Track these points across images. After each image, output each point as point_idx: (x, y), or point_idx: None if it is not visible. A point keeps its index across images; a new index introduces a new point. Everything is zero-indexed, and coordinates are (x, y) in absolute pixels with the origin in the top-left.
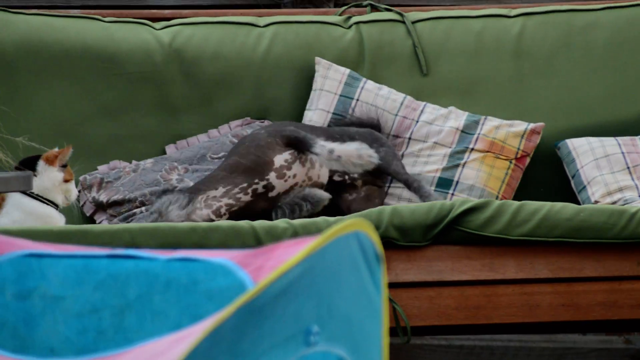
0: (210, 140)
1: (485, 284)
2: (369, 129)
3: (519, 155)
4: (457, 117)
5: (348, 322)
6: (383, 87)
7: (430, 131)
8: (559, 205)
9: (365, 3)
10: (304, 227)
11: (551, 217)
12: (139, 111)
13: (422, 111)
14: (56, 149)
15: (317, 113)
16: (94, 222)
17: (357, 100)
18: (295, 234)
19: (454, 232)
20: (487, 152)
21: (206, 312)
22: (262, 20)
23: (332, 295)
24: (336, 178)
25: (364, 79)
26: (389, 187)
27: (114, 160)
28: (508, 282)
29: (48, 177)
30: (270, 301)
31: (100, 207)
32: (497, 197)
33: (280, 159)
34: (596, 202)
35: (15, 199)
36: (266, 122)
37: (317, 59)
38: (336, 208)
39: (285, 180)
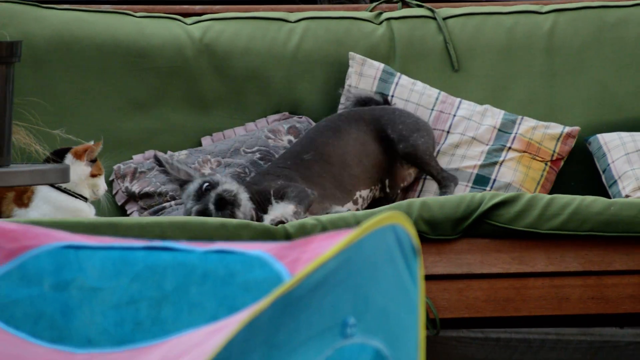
0: (245, 134)
1: (514, 277)
2: (411, 113)
3: (554, 158)
4: (494, 115)
5: (385, 315)
6: (417, 82)
7: (468, 126)
8: (589, 199)
9: None
10: (332, 222)
11: (581, 211)
12: (170, 106)
13: (458, 107)
14: (91, 142)
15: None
16: (125, 211)
17: (392, 96)
18: (324, 229)
19: (484, 225)
20: (524, 152)
21: (243, 303)
22: (293, 16)
23: (369, 287)
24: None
25: (398, 74)
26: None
27: (149, 150)
28: (538, 275)
29: (74, 171)
30: (306, 293)
31: (132, 197)
32: None
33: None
34: (627, 196)
35: (44, 193)
36: (303, 118)
37: (351, 54)
38: None
39: None
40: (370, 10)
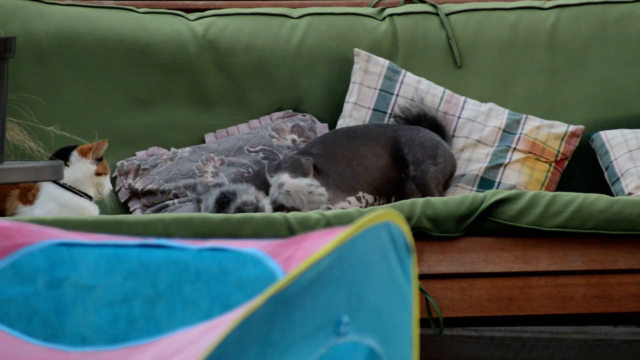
0: (249, 133)
1: (518, 276)
2: (436, 139)
3: (558, 159)
4: (498, 115)
5: (378, 313)
6: (422, 80)
7: (473, 129)
8: (592, 196)
9: None
10: (336, 217)
11: (584, 208)
12: (172, 102)
13: (462, 107)
14: (96, 141)
15: (356, 109)
16: (127, 208)
17: (397, 95)
18: (328, 224)
19: (487, 223)
20: (529, 153)
21: (236, 301)
22: (296, 12)
23: (363, 285)
24: None
25: (404, 71)
26: None
27: (153, 147)
28: (541, 274)
29: (80, 169)
30: (300, 291)
31: (135, 194)
32: None
33: None
34: (630, 193)
35: (49, 190)
36: (307, 116)
37: (356, 50)
38: None
39: None
40: (373, 6)
